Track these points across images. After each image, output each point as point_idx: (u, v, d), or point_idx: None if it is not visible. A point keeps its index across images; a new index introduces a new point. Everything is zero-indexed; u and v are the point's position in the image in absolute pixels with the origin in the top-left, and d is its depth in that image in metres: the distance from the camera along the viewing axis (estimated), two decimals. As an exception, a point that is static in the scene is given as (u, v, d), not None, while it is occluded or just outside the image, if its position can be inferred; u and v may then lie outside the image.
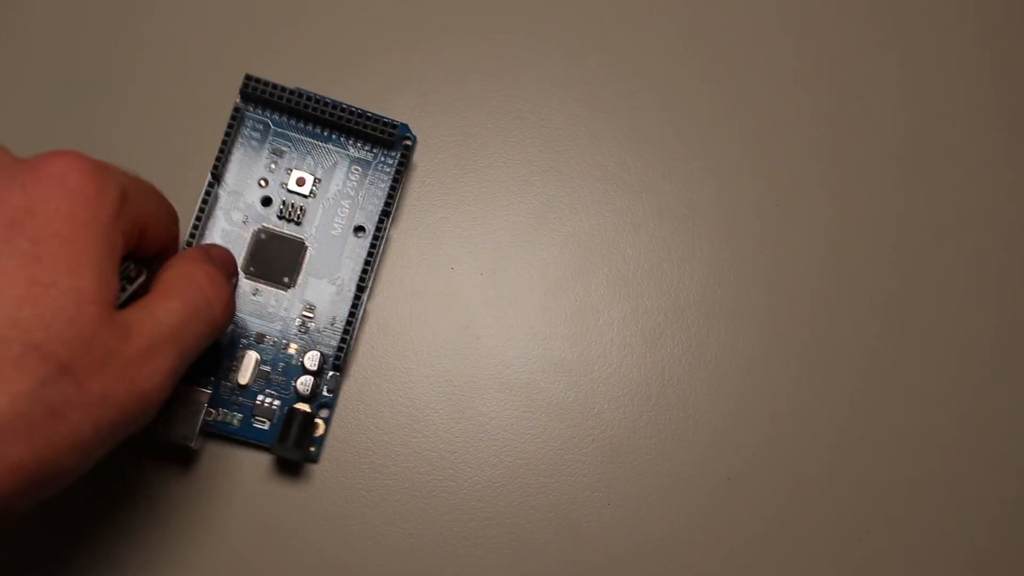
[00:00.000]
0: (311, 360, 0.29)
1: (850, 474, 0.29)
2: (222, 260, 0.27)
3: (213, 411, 0.28)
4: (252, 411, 0.29)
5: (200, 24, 0.32)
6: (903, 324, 0.31)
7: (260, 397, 0.29)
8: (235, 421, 0.29)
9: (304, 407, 0.28)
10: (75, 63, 0.31)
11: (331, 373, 0.29)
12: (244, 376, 0.28)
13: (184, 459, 0.29)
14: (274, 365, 0.29)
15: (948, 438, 0.30)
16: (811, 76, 0.33)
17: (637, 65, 0.32)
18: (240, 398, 0.29)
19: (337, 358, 0.29)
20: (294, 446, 0.27)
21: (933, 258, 0.31)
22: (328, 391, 0.29)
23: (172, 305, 0.23)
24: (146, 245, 0.24)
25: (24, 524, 0.29)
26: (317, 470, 0.29)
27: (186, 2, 0.32)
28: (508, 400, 0.30)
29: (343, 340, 0.29)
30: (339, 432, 0.30)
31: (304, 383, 0.28)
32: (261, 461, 0.29)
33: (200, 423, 0.28)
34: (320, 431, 0.29)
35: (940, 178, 0.32)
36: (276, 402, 0.29)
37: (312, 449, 0.29)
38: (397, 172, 0.30)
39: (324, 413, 0.29)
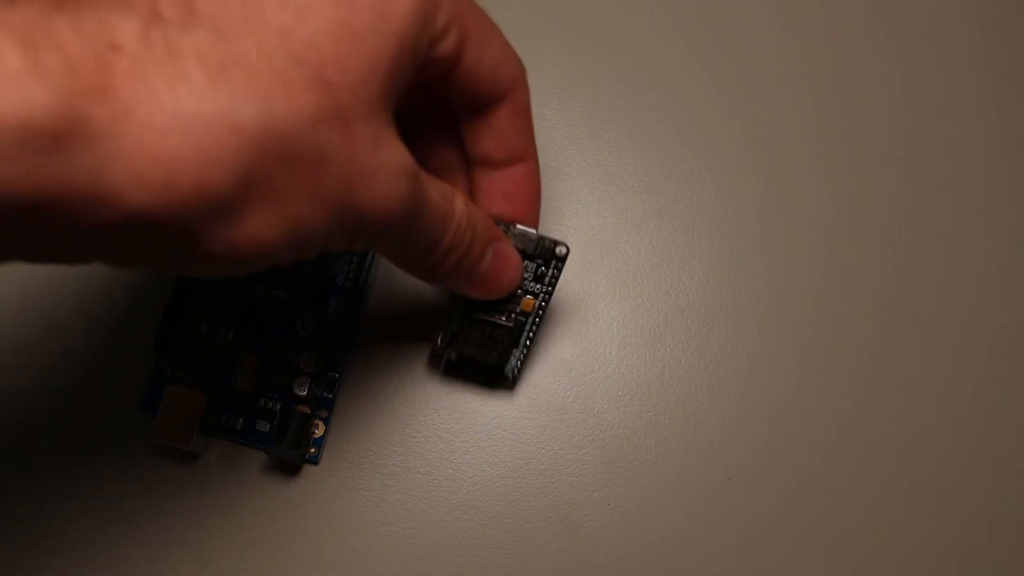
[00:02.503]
0: (308, 362, 0.29)
1: (850, 474, 0.29)
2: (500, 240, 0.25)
3: (214, 414, 0.29)
4: (253, 413, 0.29)
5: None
6: (903, 324, 0.31)
7: (260, 399, 0.29)
8: (236, 424, 0.29)
9: (303, 408, 0.28)
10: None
11: (330, 374, 0.29)
12: (244, 378, 0.28)
13: (184, 460, 0.29)
14: (274, 367, 0.29)
15: (949, 438, 0.30)
16: (812, 76, 0.32)
17: (637, 65, 0.32)
18: (240, 400, 0.29)
19: (337, 358, 0.29)
20: (292, 447, 0.28)
21: (933, 258, 0.31)
22: (328, 392, 0.29)
23: (439, 200, 0.22)
24: (470, 70, 0.23)
25: (24, 524, 0.29)
26: (317, 471, 0.29)
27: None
28: (508, 400, 0.30)
29: (343, 340, 0.29)
30: (339, 432, 0.30)
31: (302, 384, 0.29)
32: (261, 462, 0.29)
33: (199, 425, 0.28)
34: (320, 432, 0.29)
35: (940, 178, 0.32)
36: (276, 404, 0.29)
37: (313, 451, 0.29)
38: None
39: (324, 414, 0.29)
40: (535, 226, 0.26)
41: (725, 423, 0.30)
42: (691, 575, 0.29)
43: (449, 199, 0.23)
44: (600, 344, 0.30)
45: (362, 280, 0.30)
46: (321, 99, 0.18)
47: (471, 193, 0.26)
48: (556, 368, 0.30)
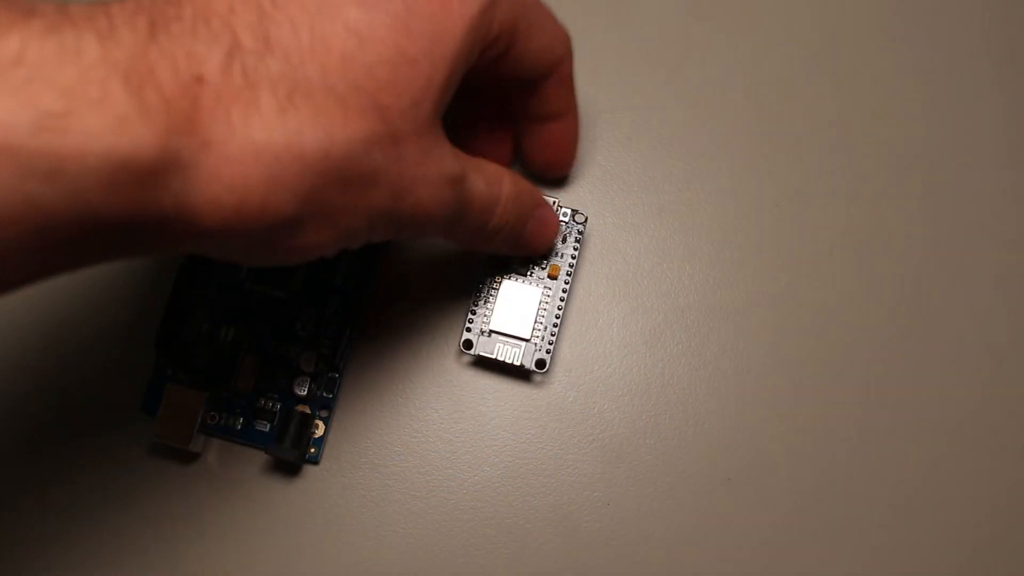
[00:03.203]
0: (308, 362, 0.29)
1: (850, 474, 0.29)
2: (546, 230, 0.28)
3: (214, 414, 0.29)
4: (252, 413, 0.29)
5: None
6: (904, 324, 0.31)
7: (260, 399, 0.29)
8: (236, 424, 0.29)
9: (303, 408, 0.28)
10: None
11: (330, 374, 0.29)
12: (244, 378, 0.28)
13: (184, 460, 0.29)
14: (274, 367, 0.29)
15: (950, 439, 0.30)
16: (812, 76, 0.32)
17: (637, 65, 0.32)
18: (240, 400, 0.29)
19: (337, 359, 0.29)
20: (292, 448, 0.28)
21: (934, 258, 0.31)
22: (328, 392, 0.29)
23: (485, 190, 0.24)
24: (517, 58, 0.25)
25: (24, 524, 0.29)
26: (317, 470, 0.29)
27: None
28: (508, 400, 0.30)
29: (343, 340, 0.29)
30: (339, 432, 0.30)
31: (301, 384, 0.29)
32: (261, 462, 0.29)
33: (199, 425, 0.28)
34: (320, 432, 0.29)
35: (941, 178, 0.32)
36: (276, 404, 0.29)
37: (313, 451, 0.29)
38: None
39: (324, 414, 0.29)
40: (568, 169, 0.30)
41: (725, 423, 0.30)
42: (691, 575, 0.29)
43: (496, 183, 0.25)
44: (600, 344, 0.30)
45: (362, 280, 0.30)
46: (376, 123, 0.20)
47: (515, 140, 0.29)
48: (556, 368, 0.30)
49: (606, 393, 0.30)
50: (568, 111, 0.28)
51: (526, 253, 0.28)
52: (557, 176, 0.31)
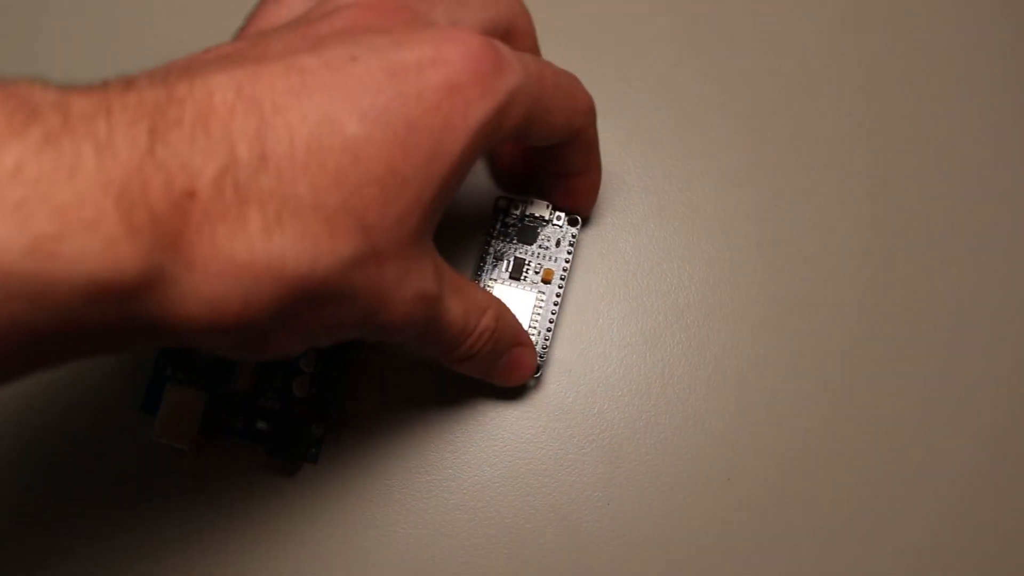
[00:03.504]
0: (308, 362, 0.29)
1: (851, 474, 0.29)
2: (517, 352, 0.28)
3: (214, 414, 0.28)
4: (252, 413, 0.29)
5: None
6: (904, 324, 0.31)
7: (260, 399, 0.29)
8: (235, 424, 0.29)
9: (303, 409, 0.28)
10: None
11: (330, 374, 0.29)
12: (244, 378, 0.28)
13: (184, 460, 0.29)
14: (274, 367, 0.29)
15: (951, 439, 0.30)
16: (812, 76, 0.32)
17: (637, 65, 0.32)
18: (240, 400, 0.29)
19: (337, 359, 0.29)
20: (292, 448, 0.28)
21: (935, 258, 0.31)
22: (328, 392, 0.29)
23: (460, 317, 0.24)
24: (534, 136, 0.24)
25: (23, 524, 0.29)
26: (316, 470, 0.29)
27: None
28: (508, 400, 0.30)
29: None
30: (339, 432, 0.30)
31: (302, 385, 0.29)
32: (261, 462, 0.29)
33: (199, 425, 0.28)
34: (320, 432, 0.29)
35: (942, 179, 0.32)
36: (276, 404, 0.29)
37: (312, 450, 0.29)
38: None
39: (324, 414, 0.29)
40: (587, 213, 0.30)
41: (725, 423, 0.30)
42: (691, 575, 0.29)
43: (476, 314, 0.25)
44: (600, 344, 0.30)
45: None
46: (359, 244, 0.19)
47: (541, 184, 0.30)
48: (556, 368, 0.30)
49: (606, 393, 0.30)
50: (591, 168, 0.28)
51: (494, 383, 0.28)
52: (580, 216, 0.30)
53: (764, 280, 0.31)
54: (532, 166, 0.30)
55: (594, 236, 0.31)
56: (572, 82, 0.26)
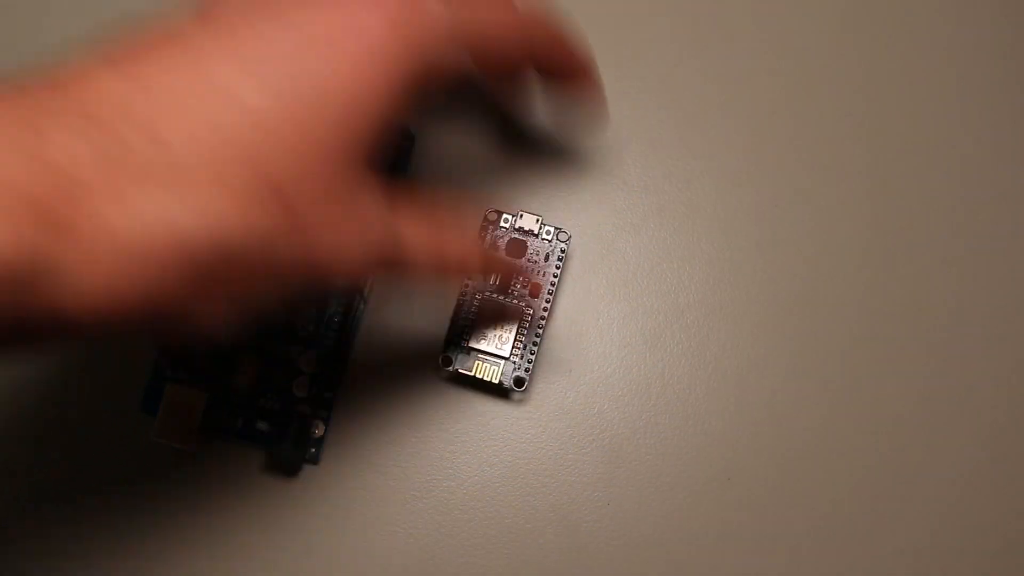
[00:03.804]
0: (308, 362, 0.29)
1: (851, 474, 0.29)
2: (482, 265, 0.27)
3: (214, 414, 0.28)
4: (253, 413, 0.29)
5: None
6: (904, 324, 0.31)
7: (260, 399, 0.29)
8: (236, 424, 0.29)
9: (303, 408, 0.28)
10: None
11: (330, 374, 0.29)
12: (244, 378, 0.28)
13: (184, 460, 0.29)
14: (274, 367, 0.29)
15: (951, 439, 0.30)
16: (812, 76, 0.32)
17: (637, 65, 0.32)
18: (240, 400, 0.29)
19: (337, 359, 0.29)
20: (292, 448, 0.28)
21: (935, 259, 0.31)
22: (328, 392, 0.29)
23: (413, 237, 0.22)
24: (490, 65, 0.23)
25: (24, 524, 0.29)
26: (317, 470, 0.29)
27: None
28: (508, 400, 0.30)
29: (343, 341, 0.29)
30: (339, 432, 0.30)
31: (302, 385, 0.29)
32: (261, 462, 0.29)
33: (199, 425, 0.28)
34: (320, 432, 0.29)
35: (942, 179, 0.32)
36: (276, 404, 0.29)
37: (313, 450, 0.29)
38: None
39: (324, 414, 0.29)
40: (602, 112, 0.30)
41: (725, 423, 0.30)
42: (691, 575, 0.29)
43: (453, 241, 0.24)
44: (600, 344, 0.30)
45: (362, 280, 0.30)
46: (270, 204, 0.19)
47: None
48: (556, 368, 0.30)
49: (606, 393, 0.30)
50: (577, 70, 0.27)
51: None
52: (599, 119, 0.30)
53: (764, 280, 0.31)
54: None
55: (593, 236, 0.31)
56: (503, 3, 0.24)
